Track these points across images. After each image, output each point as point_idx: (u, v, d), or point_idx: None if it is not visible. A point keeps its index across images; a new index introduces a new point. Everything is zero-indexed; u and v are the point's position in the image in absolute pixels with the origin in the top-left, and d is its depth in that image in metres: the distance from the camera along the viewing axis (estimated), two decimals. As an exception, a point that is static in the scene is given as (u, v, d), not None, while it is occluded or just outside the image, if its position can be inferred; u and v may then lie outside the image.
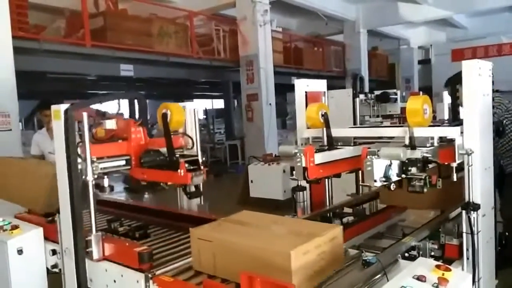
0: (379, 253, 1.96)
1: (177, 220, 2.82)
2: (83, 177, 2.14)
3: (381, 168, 1.97)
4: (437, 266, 1.70)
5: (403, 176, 2.05)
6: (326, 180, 3.03)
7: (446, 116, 5.74)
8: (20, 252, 2.44)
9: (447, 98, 5.81)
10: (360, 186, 3.27)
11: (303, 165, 2.15)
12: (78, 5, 7.63)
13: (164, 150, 2.32)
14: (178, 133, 2.56)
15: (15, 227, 2.52)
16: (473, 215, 2.07)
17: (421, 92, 7.42)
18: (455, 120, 2.37)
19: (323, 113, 2.49)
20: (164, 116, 2.38)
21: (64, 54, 7.57)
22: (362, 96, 4.91)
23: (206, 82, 12.92)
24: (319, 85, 3.06)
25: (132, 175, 2.39)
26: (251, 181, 6.82)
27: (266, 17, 9.95)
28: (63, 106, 2.13)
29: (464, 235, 2.10)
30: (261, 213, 2.39)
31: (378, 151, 1.97)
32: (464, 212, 2.09)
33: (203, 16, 10.71)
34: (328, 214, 2.80)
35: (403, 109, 6.13)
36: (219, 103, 18.09)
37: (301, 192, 2.91)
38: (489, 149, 2.26)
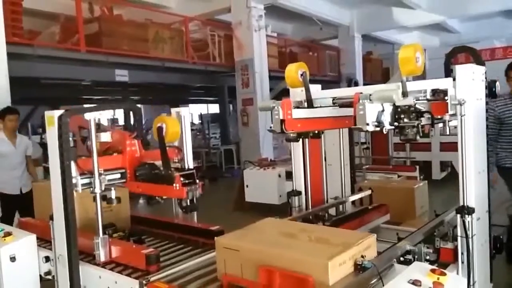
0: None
1: (171, 229, 2.81)
2: (91, 189, 2.19)
3: (374, 113, 1.94)
4: (432, 271, 1.70)
5: (396, 124, 2.02)
6: (324, 183, 3.05)
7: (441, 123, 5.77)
8: (13, 259, 2.41)
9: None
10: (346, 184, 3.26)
11: (281, 117, 2.13)
12: (73, 10, 7.61)
13: (159, 163, 2.33)
14: (172, 145, 2.56)
15: (8, 234, 2.50)
16: (468, 218, 2.08)
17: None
18: (447, 76, 2.35)
19: (302, 73, 2.45)
20: (160, 129, 2.38)
21: (58, 60, 7.53)
22: (356, 101, 4.93)
23: (201, 87, 12.90)
24: (314, 89, 3.06)
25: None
26: (247, 186, 6.83)
27: (261, 22, 9.98)
28: (57, 112, 2.12)
29: (459, 238, 2.11)
30: (285, 221, 2.41)
31: (370, 95, 1.96)
32: (459, 215, 2.10)
33: (198, 21, 10.72)
34: (310, 217, 2.80)
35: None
36: (215, 108, 18.07)
37: (296, 197, 2.91)
38: (483, 153, 2.27)
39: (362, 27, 14.10)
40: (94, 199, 2.21)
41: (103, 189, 2.19)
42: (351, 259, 1.71)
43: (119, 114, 14.00)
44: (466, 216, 2.07)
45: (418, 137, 2.05)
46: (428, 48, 18.54)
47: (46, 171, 2.36)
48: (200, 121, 17.30)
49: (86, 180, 2.19)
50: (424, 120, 2.05)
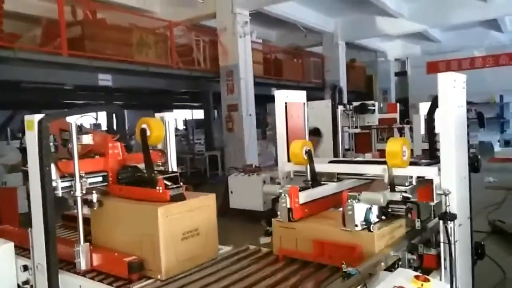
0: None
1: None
2: (72, 193, 2.12)
3: (362, 212, 2.02)
4: (416, 277, 1.71)
5: (383, 218, 2.11)
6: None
7: (422, 129, 5.88)
8: (-11, 268, 2.34)
9: (423, 110, 5.95)
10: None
11: (288, 206, 2.17)
12: (55, 13, 7.50)
13: (142, 166, 2.29)
14: (155, 149, 2.53)
15: (-16, 242, 2.42)
16: (450, 225, 2.10)
17: (398, 104, 7.59)
18: (432, 157, 2.43)
19: (307, 150, 2.53)
20: (143, 131, 2.34)
21: (40, 63, 7.40)
22: (341, 107, 4.98)
23: (186, 93, 12.84)
24: (299, 96, 3.07)
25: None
26: (231, 192, 6.79)
27: (246, 28, 10.01)
28: (37, 116, 2.07)
29: (442, 245, 2.13)
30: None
31: (359, 195, 2.00)
32: (441, 222, 2.12)
33: (183, 27, 10.70)
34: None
35: (380, 120, 6.25)
36: (199, 114, 18.02)
37: (281, 204, 2.89)
38: (464, 160, 2.30)
39: (346, 34, 14.30)
40: (75, 202, 2.15)
41: (84, 192, 2.14)
42: (389, 233, 2.08)
43: (102, 119, 13.83)
44: (449, 222, 2.10)
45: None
46: (410, 57, 18.95)
47: (25, 174, 2.28)
48: (184, 127, 17.21)
49: (67, 183, 2.13)
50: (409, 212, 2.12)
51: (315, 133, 5.09)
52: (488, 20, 13.43)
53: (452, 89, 2.19)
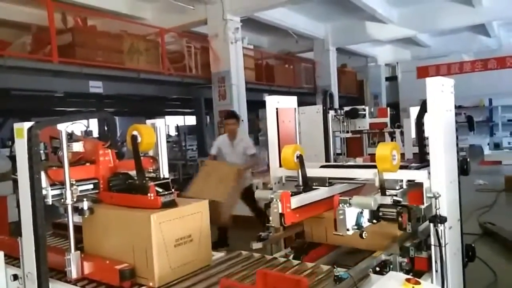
0: (350, 268, 1.97)
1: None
2: (62, 200, 2.10)
3: (353, 216, 2.03)
4: (407, 280, 1.72)
5: (374, 221, 2.11)
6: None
7: (413, 133, 5.92)
8: (-22, 278, 2.31)
9: (413, 114, 6.00)
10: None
11: (280, 211, 2.17)
12: (45, 21, 7.46)
13: (134, 173, 2.28)
14: (147, 155, 2.52)
15: (-27, 251, 2.39)
16: (440, 227, 2.12)
17: (389, 108, 7.65)
18: (422, 161, 2.45)
19: (298, 155, 2.55)
20: (134, 138, 2.33)
21: (30, 71, 7.34)
22: (332, 112, 5.00)
23: (177, 99, 12.80)
24: (290, 101, 3.10)
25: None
26: (224, 198, 6.76)
27: (238, 35, 10.03)
28: (27, 124, 2.06)
29: (432, 247, 2.15)
30: None
31: (350, 199, 2.02)
32: (431, 224, 2.14)
33: (174, 33, 10.70)
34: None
35: (371, 125, 6.29)
36: (191, 120, 17.98)
37: (273, 209, 2.89)
38: (453, 163, 2.33)
39: (337, 40, 14.40)
40: (65, 210, 2.13)
41: (74, 200, 2.12)
42: None
43: (94, 126, 13.74)
44: (439, 225, 2.12)
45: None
46: (400, 62, 19.14)
47: (15, 183, 2.25)
48: (176, 133, 17.15)
49: (57, 191, 2.12)
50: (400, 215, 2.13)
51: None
52: (476, 25, 13.62)
53: (440, 93, 2.22)
